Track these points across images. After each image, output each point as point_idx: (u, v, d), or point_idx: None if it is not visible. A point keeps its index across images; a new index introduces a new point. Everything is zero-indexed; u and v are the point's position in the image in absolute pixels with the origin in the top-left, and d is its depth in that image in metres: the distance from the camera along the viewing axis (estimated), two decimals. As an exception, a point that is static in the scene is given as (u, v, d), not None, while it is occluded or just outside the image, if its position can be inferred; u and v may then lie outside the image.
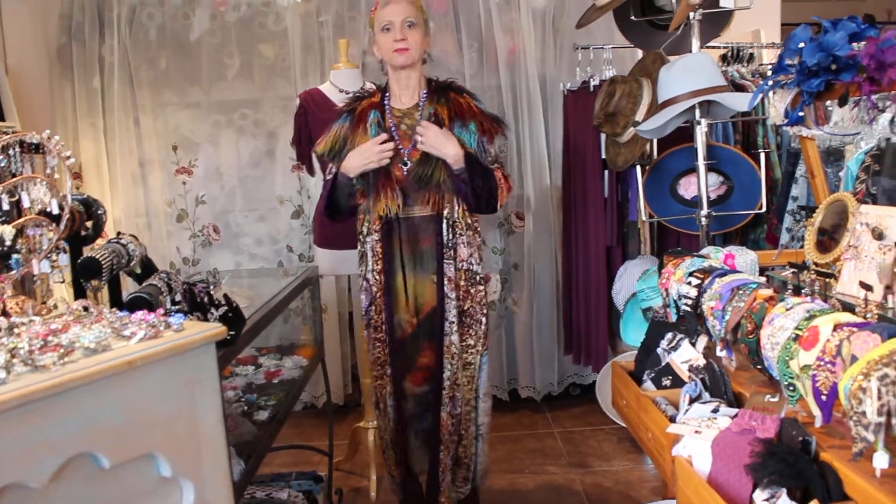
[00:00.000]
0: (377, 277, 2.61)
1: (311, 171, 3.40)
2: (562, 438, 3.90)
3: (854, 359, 1.25)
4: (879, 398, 1.15)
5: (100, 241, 1.92)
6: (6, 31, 4.21)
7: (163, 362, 1.14)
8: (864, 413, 1.18)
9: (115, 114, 4.13)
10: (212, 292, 2.03)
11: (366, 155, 2.50)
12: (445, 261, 2.57)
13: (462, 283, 2.60)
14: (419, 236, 2.61)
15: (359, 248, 2.69)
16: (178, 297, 1.83)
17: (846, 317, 1.40)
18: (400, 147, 2.56)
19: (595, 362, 3.68)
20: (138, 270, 1.96)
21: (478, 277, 2.64)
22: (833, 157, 2.80)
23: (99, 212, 1.83)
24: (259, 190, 4.27)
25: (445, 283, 2.57)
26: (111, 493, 1.09)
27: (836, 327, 1.36)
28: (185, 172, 4.22)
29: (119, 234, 1.92)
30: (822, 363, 1.34)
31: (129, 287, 2.00)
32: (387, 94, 2.64)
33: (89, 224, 1.84)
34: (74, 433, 1.02)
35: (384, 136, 2.52)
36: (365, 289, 2.67)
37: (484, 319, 2.67)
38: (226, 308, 1.95)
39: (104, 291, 1.81)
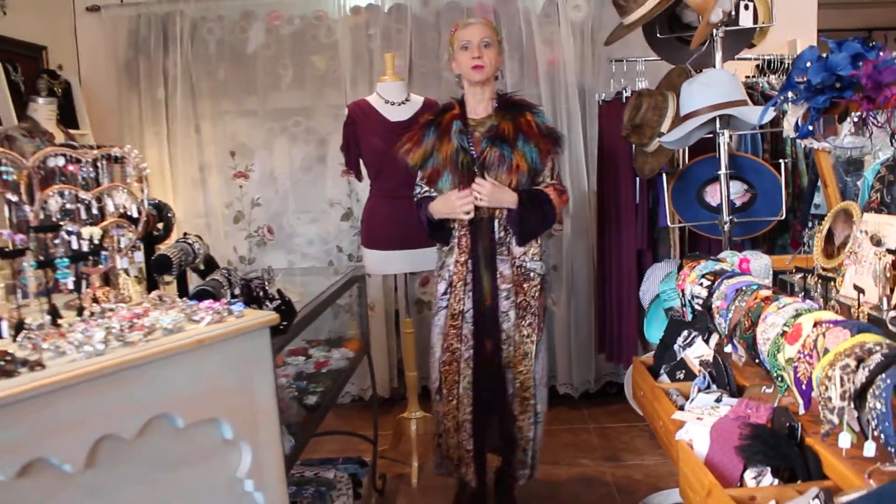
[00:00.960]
0: (460, 269, 2.87)
1: (359, 177, 3.62)
2: (596, 434, 4.06)
3: (826, 351, 1.41)
4: (842, 385, 1.31)
5: (168, 241, 2.17)
6: (80, 46, 4.55)
7: (226, 342, 1.37)
8: (829, 398, 1.34)
9: (178, 122, 4.44)
10: (266, 287, 2.27)
11: (448, 205, 2.81)
12: (499, 258, 2.86)
13: (516, 278, 2.86)
14: (483, 237, 2.87)
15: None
16: (237, 291, 2.07)
17: (827, 315, 1.55)
18: (472, 151, 2.83)
19: (626, 360, 3.84)
20: (202, 267, 2.20)
21: (531, 274, 2.89)
22: (853, 167, 2.92)
23: (168, 215, 2.08)
24: (311, 193, 4.52)
25: (499, 278, 2.85)
26: (184, 449, 1.32)
27: (817, 324, 1.51)
28: (242, 177, 4.49)
29: (185, 234, 2.16)
30: (802, 356, 1.50)
31: (193, 281, 2.24)
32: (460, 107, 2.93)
33: (160, 225, 2.08)
34: (156, 397, 1.25)
35: (467, 191, 2.77)
36: (446, 279, 2.92)
37: (538, 312, 2.93)
38: (279, 301, 2.18)
39: (173, 285, 2.05)
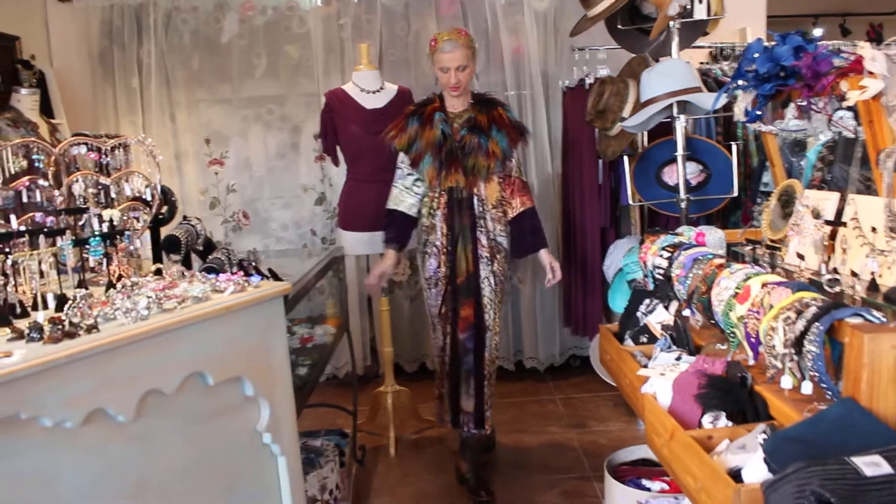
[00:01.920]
0: (444, 243, 3.21)
1: (335, 162, 3.78)
2: (563, 403, 4.29)
3: (771, 307, 1.63)
4: (784, 334, 1.53)
5: (171, 223, 2.31)
6: (52, 36, 4.60)
7: (248, 309, 1.54)
8: (773, 346, 1.56)
9: (153, 111, 4.53)
10: (258, 267, 2.44)
11: (375, 270, 3.34)
12: (479, 230, 3.19)
13: (490, 249, 3.21)
14: (463, 213, 3.19)
15: (426, 221, 3.24)
16: (234, 269, 2.23)
17: (772, 277, 1.77)
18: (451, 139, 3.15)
19: (591, 332, 4.07)
20: (200, 248, 2.35)
21: (500, 247, 3.24)
22: (798, 147, 3.16)
23: (173, 199, 2.22)
24: (285, 179, 4.67)
25: (480, 248, 3.19)
26: (214, 404, 1.49)
27: (764, 285, 1.73)
28: (218, 164, 4.61)
29: (185, 217, 2.31)
30: (751, 312, 1.71)
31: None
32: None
33: (164, 209, 2.22)
34: (191, 357, 1.41)
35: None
36: (433, 254, 3.23)
37: (503, 282, 3.30)
38: (271, 278, 2.35)
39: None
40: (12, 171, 1.65)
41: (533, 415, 4.14)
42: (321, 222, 4.69)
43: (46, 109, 4.25)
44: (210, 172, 4.62)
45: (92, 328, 1.28)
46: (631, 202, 3.40)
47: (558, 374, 4.73)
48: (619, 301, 3.15)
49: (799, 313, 1.51)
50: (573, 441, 3.78)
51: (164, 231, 2.25)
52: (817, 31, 6.98)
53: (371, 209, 3.52)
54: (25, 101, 3.55)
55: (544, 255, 3.28)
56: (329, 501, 2.78)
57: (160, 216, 2.16)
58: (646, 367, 2.18)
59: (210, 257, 2.15)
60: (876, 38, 7.55)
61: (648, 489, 2.57)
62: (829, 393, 1.44)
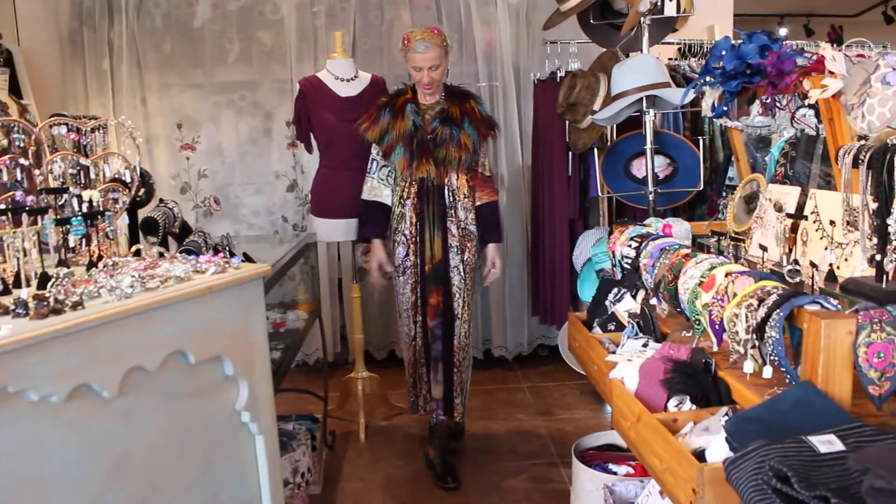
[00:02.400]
0: (413, 232, 3.27)
1: (308, 149, 3.79)
2: (530, 392, 4.36)
3: (735, 295, 1.70)
4: (747, 321, 1.59)
5: (148, 206, 2.32)
6: (19, 16, 4.54)
7: (229, 290, 1.56)
8: (737, 332, 1.62)
9: (124, 94, 4.50)
10: (233, 251, 2.46)
11: (372, 261, 3.40)
12: (449, 219, 3.25)
13: (461, 238, 3.27)
14: (433, 202, 3.24)
15: (397, 210, 3.30)
16: (210, 252, 2.25)
17: (735, 267, 1.84)
18: (423, 130, 3.21)
19: (559, 322, 4.14)
20: (176, 231, 2.37)
21: (471, 235, 3.31)
22: (762, 143, 3.25)
23: (150, 182, 2.23)
24: (257, 165, 4.67)
25: (449, 237, 3.25)
26: (194, 383, 1.52)
27: (728, 274, 1.80)
28: (189, 148, 4.60)
29: (161, 200, 2.32)
30: (715, 300, 1.78)
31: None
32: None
33: (141, 192, 2.23)
34: (173, 335, 1.44)
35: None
36: (402, 243, 3.28)
37: (473, 271, 3.37)
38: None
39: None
40: (-8, 151, 1.65)
41: (501, 402, 4.21)
42: (293, 209, 4.70)
43: (15, 89, 4.20)
44: (181, 157, 4.61)
45: (77, 305, 1.30)
46: (600, 194, 3.47)
47: (526, 363, 4.81)
48: (587, 290, 3.22)
49: (761, 301, 1.58)
50: (540, 428, 3.85)
51: (141, 214, 2.26)
52: (782, 31, 7.16)
53: (344, 196, 3.55)
54: (-6, 80, 3.50)
55: (490, 249, 3.38)
56: (301, 484, 2.81)
57: (137, 198, 2.17)
58: (614, 353, 2.24)
59: (187, 240, 2.17)
60: (836, 39, 7.74)
61: (614, 473, 2.64)
62: (788, 377, 1.51)
